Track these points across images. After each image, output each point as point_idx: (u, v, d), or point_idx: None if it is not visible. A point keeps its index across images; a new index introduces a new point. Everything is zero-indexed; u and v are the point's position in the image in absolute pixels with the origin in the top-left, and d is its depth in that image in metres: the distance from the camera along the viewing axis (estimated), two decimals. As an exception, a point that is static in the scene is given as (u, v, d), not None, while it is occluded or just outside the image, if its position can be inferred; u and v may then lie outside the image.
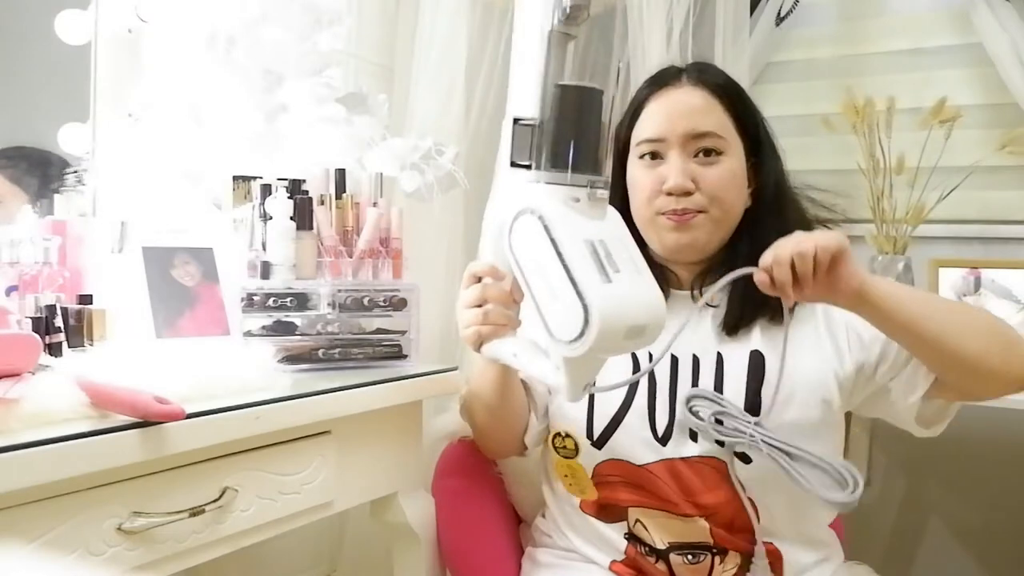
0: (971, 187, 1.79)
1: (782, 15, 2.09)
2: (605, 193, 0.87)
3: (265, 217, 1.21)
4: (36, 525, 0.79)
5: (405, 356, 1.25)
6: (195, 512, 0.92)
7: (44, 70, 1.34)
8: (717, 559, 1.09)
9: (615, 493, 1.11)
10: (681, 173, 1.08)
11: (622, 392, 1.10)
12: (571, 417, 1.13)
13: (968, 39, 1.92)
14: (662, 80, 1.15)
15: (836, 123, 1.87)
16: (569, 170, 0.85)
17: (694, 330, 1.13)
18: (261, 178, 1.25)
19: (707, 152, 1.09)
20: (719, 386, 1.09)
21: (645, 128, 1.13)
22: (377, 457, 1.19)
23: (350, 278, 1.24)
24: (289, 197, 1.22)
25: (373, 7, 1.75)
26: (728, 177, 1.09)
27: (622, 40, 1.83)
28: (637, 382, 1.11)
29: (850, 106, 1.83)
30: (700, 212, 1.08)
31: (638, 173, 1.13)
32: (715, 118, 1.11)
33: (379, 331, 1.26)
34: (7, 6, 1.33)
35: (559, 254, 0.82)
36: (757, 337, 1.11)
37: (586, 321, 0.79)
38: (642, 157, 1.12)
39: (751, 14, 2.00)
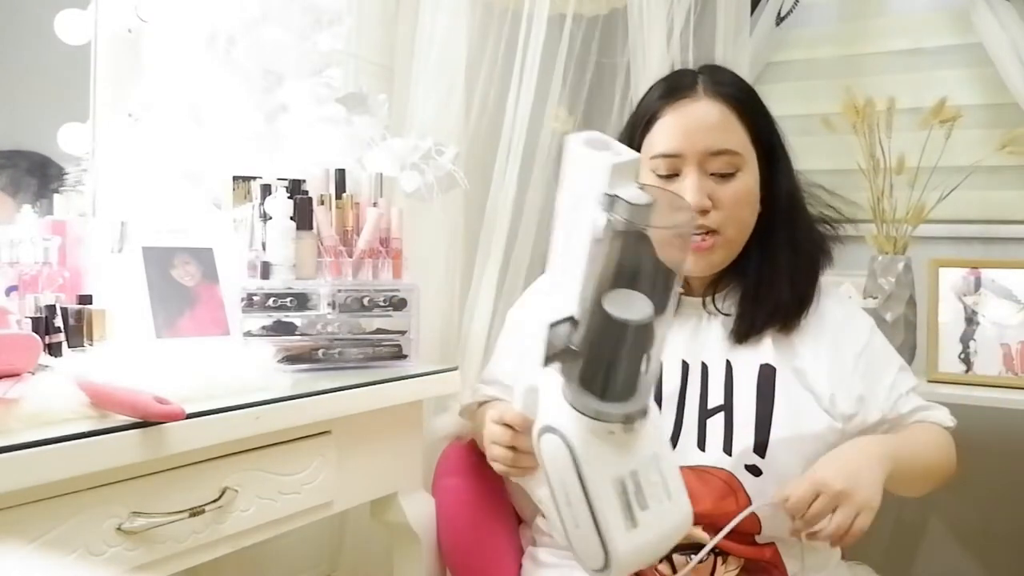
0: (971, 187, 1.79)
1: (782, 15, 2.09)
2: (644, 423, 0.79)
3: (265, 217, 1.21)
4: (36, 525, 0.79)
5: (405, 356, 1.25)
6: (195, 512, 0.92)
7: (44, 70, 1.34)
8: (719, 559, 1.09)
9: None
10: (699, 192, 1.07)
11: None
12: None
13: (968, 39, 1.92)
14: (677, 90, 1.12)
15: (836, 123, 1.87)
16: (604, 402, 0.76)
17: (704, 337, 1.13)
18: (261, 178, 1.25)
19: (724, 172, 1.08)
20: (728, 395, 1.09)
21: (661, 142, 1.11)
22: (377, 457, 1.19)
23: (350, 278, 1.24)
24: (289, 197, 1.21)
25: (373, 7, 1.75)
26: (744, 194, 1.09)
27: (623, 40, 1.83)
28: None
29: (850, 106, 1.82)
30: (715, 233, 1.08)
31: None
32: (733, 134, 1.10)
33: (379, 331, 1.26)
34: (7, 6, 1.33)
35: (586, 493, 0.76)
36: (768, 347, 1.11)
37: (606, 565, 0.77)
38: (657, 174, 1.11)
39: (751, 14, 2.00)
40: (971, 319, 1.70)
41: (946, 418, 1.18)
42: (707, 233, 1.08)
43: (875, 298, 1.80)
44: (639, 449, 0.80)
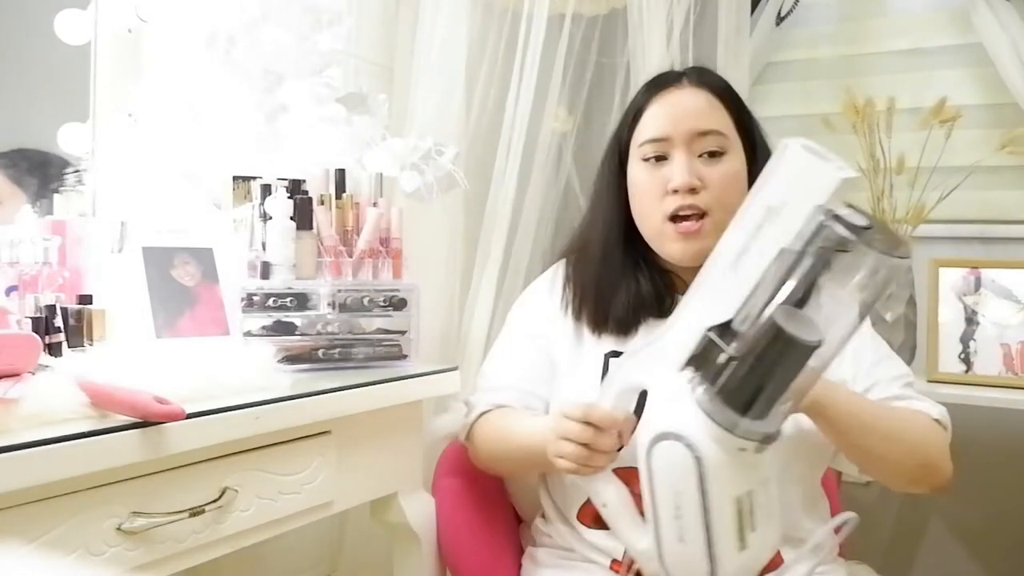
0: (971, 187, 1.79)
1: (782, 15, 2.09)
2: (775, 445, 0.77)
3: (265, 217, 1.21)
4: (36, 525, 0.79)
5: (405, 356, 1.25)
6: (195, 512, 0.92)
7: (44, 70, 1.34)
8: None
9: None
10: (687, 171, 1.08)
11: (633, 402, 1.10)
12: None
13: (968, 39, 1.92)
14: (663, 83, 1.16)
15: (836, 123, 1.87)
16: (747, 418, 0.73)
17: None
18: (261, 178, 1.25)
19: (711, 153, 1.10)
20: None
21: (648, 128, 1.13)
22: (377, 457, 1.19)
23: (350, 278, 1.24)
24: (289, 197, 1.21)
25: (373, 7, 1.75)
26: (731, 176, 1.10)
27: (623, 40, 1.83)
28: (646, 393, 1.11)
29: (850, 106, 1.82)
30: (706, 216, 1.08)
31: (642, 176, 1.13)
32: (718, 117, 1.12)
33: (379, 331, 1.26)
34: (7, 6, 1.33)
35: (705, 509, 0.74)
36: None
37: None
38: (646, 160, 1.12)
39: (751, 14, 1.99)
40: (971, 319, 1.70)
41: (931, 408, 1.12)
42: (697, 217, 1.09)
43: (875, 298, 1.79)
44: (760, 470, 0.78)
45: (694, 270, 1.14)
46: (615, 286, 1.15)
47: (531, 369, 1.20)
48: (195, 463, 0.93)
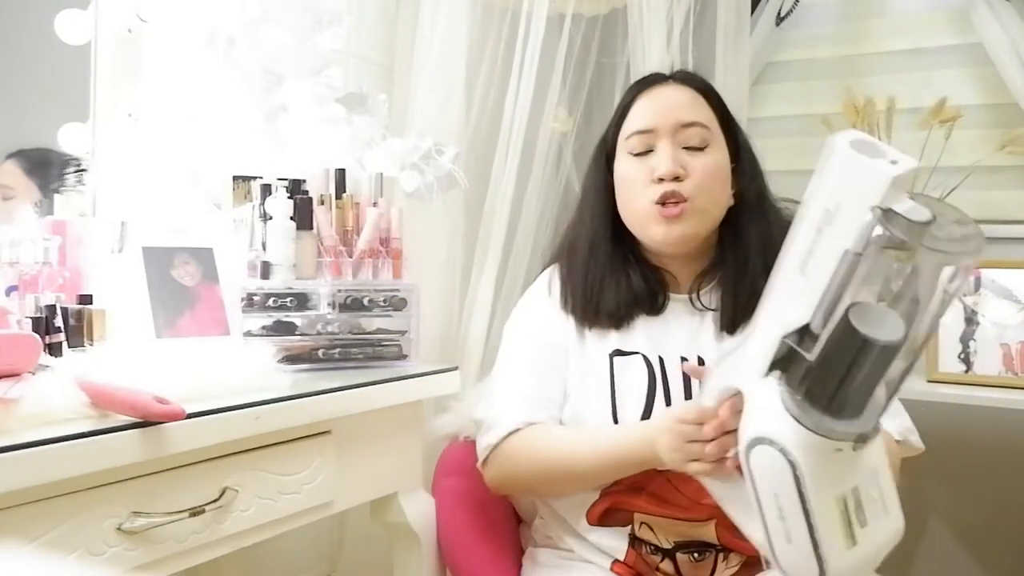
0: (971, 187, 1.79)
1: (782, 15, 2.09)
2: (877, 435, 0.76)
3: (265, 217, 1.21)
4: (36, 525, 0.79)
5: (405, 356, 1.25)
6: (195, 512, 0.92)
7: (44, 70, 1.34)
8: (720, 555, 1.09)
9: (625, 500, 1.10)
10: (671, 160, 1.10)
11: (641, 403, 1.10)
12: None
13: (968, 39, 1.92)
14: (648, 81, 1.19)
15: (836, 123, 1.87)
16: (834, 419, 0.72)
17: (700, 333, 1.14)
18: (261, 178, 1.25)
19: (695, 146, 1.12)
20: None
21: (634, 121, 1.15)
22: (377, 457, 1.19)
23: (350, 278, 1.24)
24: (289, 197, 1.21)
25: (373, 7, 1.75)
26: (714, 167, 1.12)
27: (622, 40, 1.83)
28: (654, 392, 1.11)
29: (850, 106, 1.83)
30: (687, 202, 1.10)
31: (628, 167, 1.14)
32: (702, 111, 1.14)
33: (379, 331, 1.26)
34: (7, 6, 1.33)
35: (806, 511, 0.73)
36: None
37: None
38: (632, 153, 1.14)
39: (751, 14, 1.99)
40: (971, 319, 1.70)
41: (890, 422, 1.10)
42: (679, 202, 1.10)
43: (875, 298, 1.80)
44: (862, 465, 0.77)
45: (683, 265, 1.16)
46: (604, 280, 1.16)
47: (549, 377, 1.17)
48: (195, 463, 0.93)
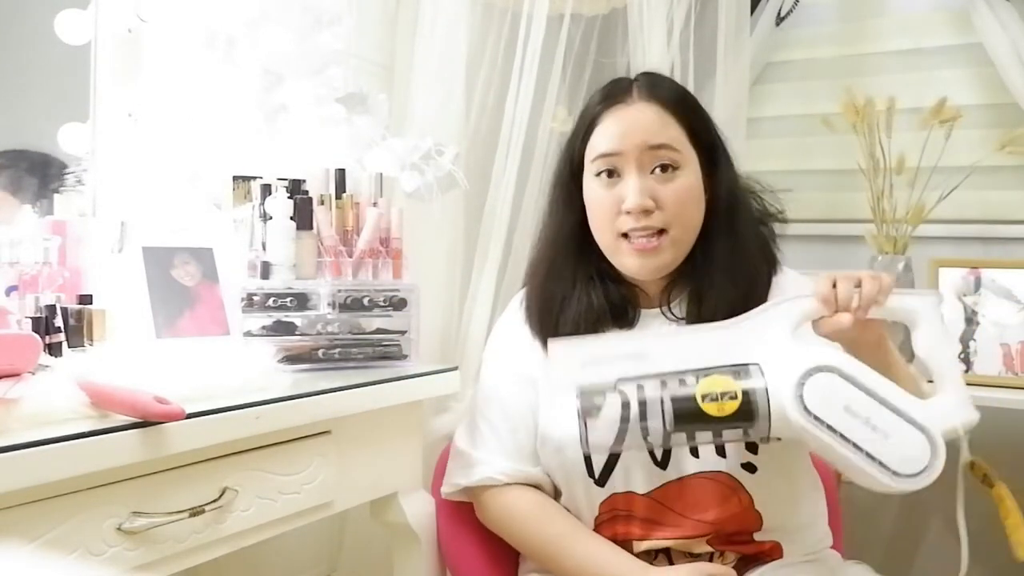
0: (971, 187, 1.79)
1: (782, 15, 2.09)
2: None
3: (265, 217, 1.21)
4: (36, 525, 0.79)
5: (405, 356, 1.25)
6: (195, 512, 0.92)
7: (44, 70, 1.34)
8: (716, 555, 1.09)
9: (621, 528, 1.09)
10: (639, 192, 1.05)
11: (615, 424, 1.05)
12: (571, 460, 1.09)
13: (968, 39, 1.92)
14: (613, 94, 1.12)
15: (836, 123, 1.87)
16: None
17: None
18: (261, 178, 1.25)
19: (664, 168, 1.07)
20: None
21: (599, 143, 1.10)
22: (377, 457, 1.19)
23: (350, 278, 1.24)
24: (289, 197, 1.21)
25: (373, 7, 1.75)
26: (686, 192, 1.07)
27: (622, 40, 1.83)
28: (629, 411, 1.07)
29: (850, 106, 1.82)
30: (663, 233, 1.06)
31: (596, 192, 1.10)
32: (670, 131, 1.08)
33: (379, 331, 1.26)
34: (7, 6, 1.33)
35: (877, 398, 0.84)
36: None
37: (932, 447, 0.84)
38: (599, 175, 1.09)
39: (751, 14, 2.00)
40: (971, 319, 1.70)
41: None
42: (654, 234, 1.06)
43: (875, 298, 1.80)
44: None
45: (657, 283, 1.12)
46: (566, 299, 1.12)
47: (520, 422, 1.14)
48: (195, 463, 0.93)
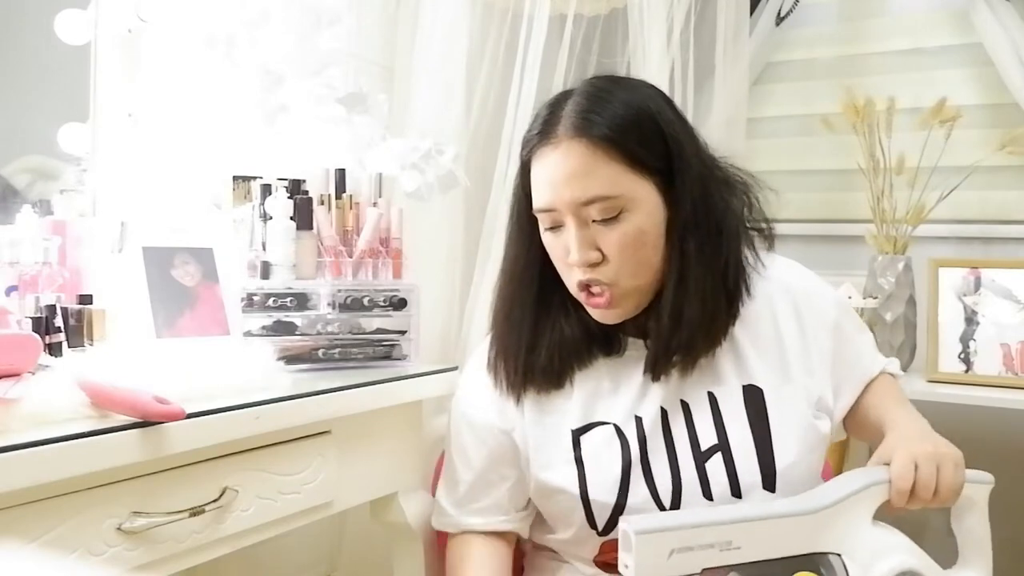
0: (971, 187, 1.80)
1: (782, 15, 2.09)
2: None
3: (265, 217, 1.21)
4: (36, 525, 0.79)
5: (405, 356, 1.25)
6: (195, 512, 0.92)
7: (44, 70, 1.34)
8: None
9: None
10: (580, 247, 0.97)
11: (616, 478, 1.01)
12: (567, 509, 1.04)
13: (968, 39, 1.92)
14: (545, 129, 1.00)
15: (836, 123, 1.87)
16: None
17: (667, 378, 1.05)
18: (261, 178, 1.25)
19: (604, 219, 0.97)
20: (720, 426, 1.02)
21: (535, 196, 1.01)
22: (377, 457, 1.19)
23: (350, 278, 1.24)
24: (289, 197, 1.21)
25: (373, 7, 1.75)
26: (631, 238, 0.97)
27: (623, 41, 1.83)
28: (630, 462, 1.01)
29: (850, 106, 1.83)
30: (611, 287, 0.99)
31: (548, 239, 1.03)
32: (600, 178, 0.96)
33: (379, 331, 1.26)
34: (7, 6, 1.33)
35: None
36: (730, 366, 1.05)
37: None
38: (543, 226, 1.03)
39: (751, 14, 2.00)
40: (971, 319, 1.70)
41: (888, 365, 1.16)
42: (605, 289, 0.99)
43: (875, 298, 1.80)
44: None
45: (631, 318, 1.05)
46: (537, 335, 1.06)
47: (486, 475, 1.09)
48: (195, 463, 0.93)
